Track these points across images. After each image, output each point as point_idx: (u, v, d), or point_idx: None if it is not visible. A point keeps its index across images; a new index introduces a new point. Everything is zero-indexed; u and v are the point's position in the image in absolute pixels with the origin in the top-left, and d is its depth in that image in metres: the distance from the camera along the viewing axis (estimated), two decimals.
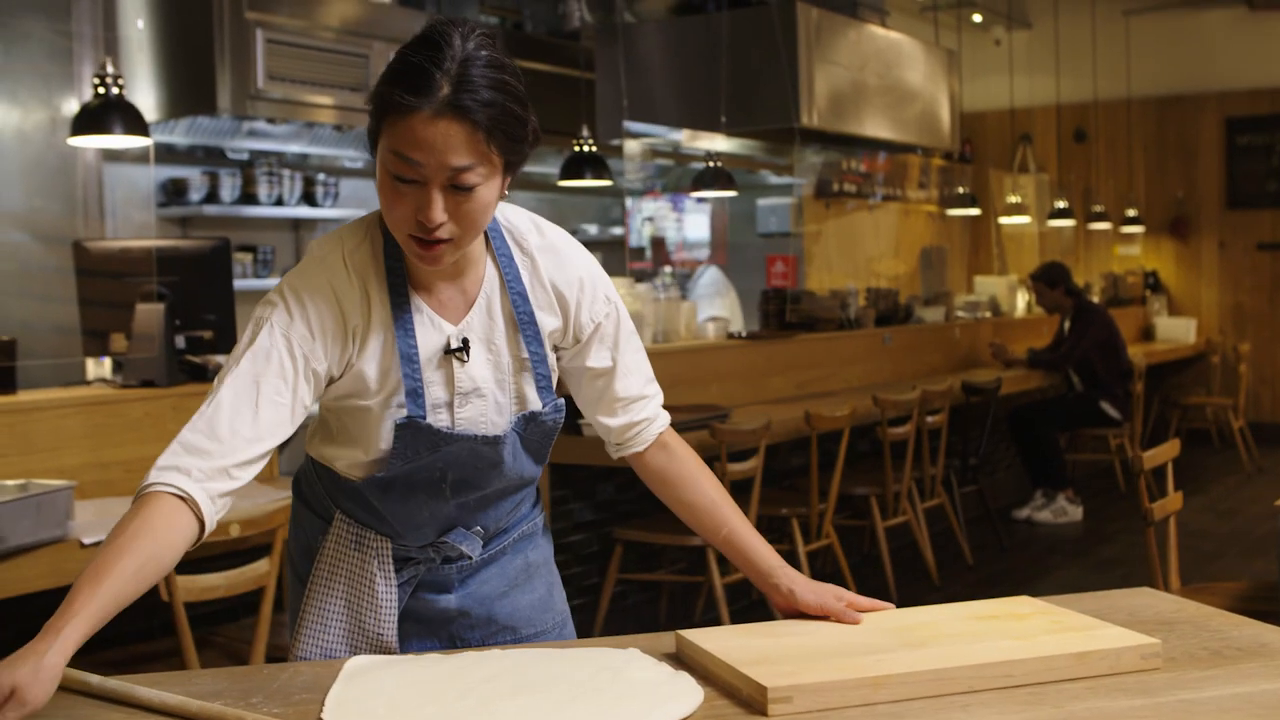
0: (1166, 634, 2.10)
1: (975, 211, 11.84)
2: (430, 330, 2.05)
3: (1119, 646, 1.94)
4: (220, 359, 4.86)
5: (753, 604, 6.41)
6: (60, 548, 3.57)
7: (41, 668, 1.64)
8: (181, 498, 1.87)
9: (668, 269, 9.55)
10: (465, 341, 2.07)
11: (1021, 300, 11.36)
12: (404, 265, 2.03)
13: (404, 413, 2.05)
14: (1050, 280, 9.36)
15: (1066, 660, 1.90)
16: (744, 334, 7.58)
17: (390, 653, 2.17)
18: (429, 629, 2.24)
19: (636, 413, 2.24)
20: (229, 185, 7.15)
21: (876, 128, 8.25)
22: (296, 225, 7.85)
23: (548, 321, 2.14)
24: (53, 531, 3.56)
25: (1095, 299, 11.59)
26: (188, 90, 6.40)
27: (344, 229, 2.09)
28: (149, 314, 4.59)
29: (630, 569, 5.84)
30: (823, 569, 6.64)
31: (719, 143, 7.82)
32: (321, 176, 7.69)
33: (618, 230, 9.51)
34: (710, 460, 5.57)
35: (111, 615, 1.76)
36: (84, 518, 3.87)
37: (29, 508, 3.50)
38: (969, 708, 1.78)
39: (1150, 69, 13.25)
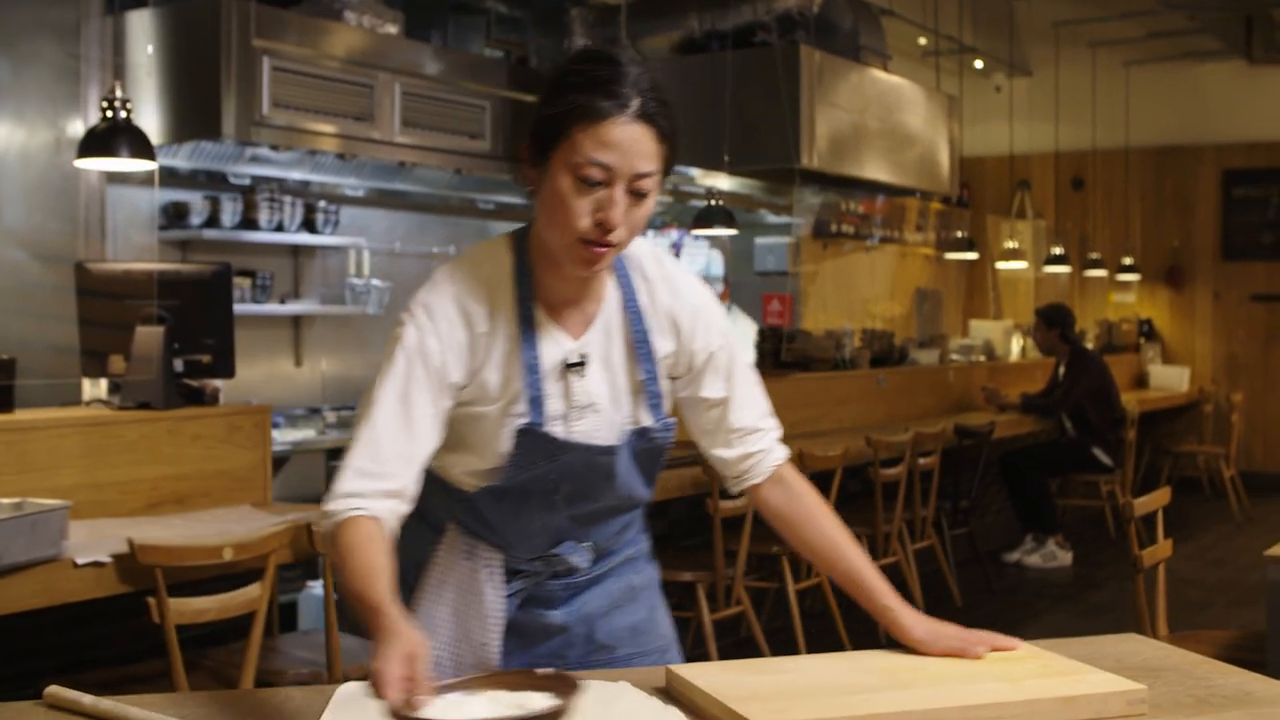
0: (1153, 681, 2.12)
1: (972, 256, 11.90)
2: (551, 344, 2.15)
3: (1105, 691, 1.96)
4: (218, 384, 4.87)
5: (740, 640, 6.41)
6: (54, 567, 3.57)
7: (406, 630, 1.78)
8: (371, 518, 2.01)
9: None
10: (584, 357, 2.16)
11: (1016, 345, 11.40)
12: (531, 279, 2.14)
13: (523, 421, 2.13)
14: (1050, 320, 9.39)
15: (1053, 704, 1.92)
16: None
17: (491, 664, 2.22)
18: (528, 642, 2.29)
19: (751, 444, 2.30)
20: (230, 210, 7.18)
21: (876, 170, 8.30)
22: (296, 251, 7.87)
23: (662, 345, 2.22)
24: (46, 551, 3.56)
25: (1090, 345, 11.62)
26: (192, 115, 6.42)
27: (475, 246, 2.22)
28: (148, 336, 4.60)
29: None
30: (811, 608, 6.62)
31: (721, 181, 7.86)
32: (322, 204, 7.71)
33: None
34: (701, 496, 5.60)
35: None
36: (78, 538, 3.88)
37: (24, 526, 3.50)
38: None
39: (1149, 119, 13.33)
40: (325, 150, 6.94)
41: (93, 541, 3.84)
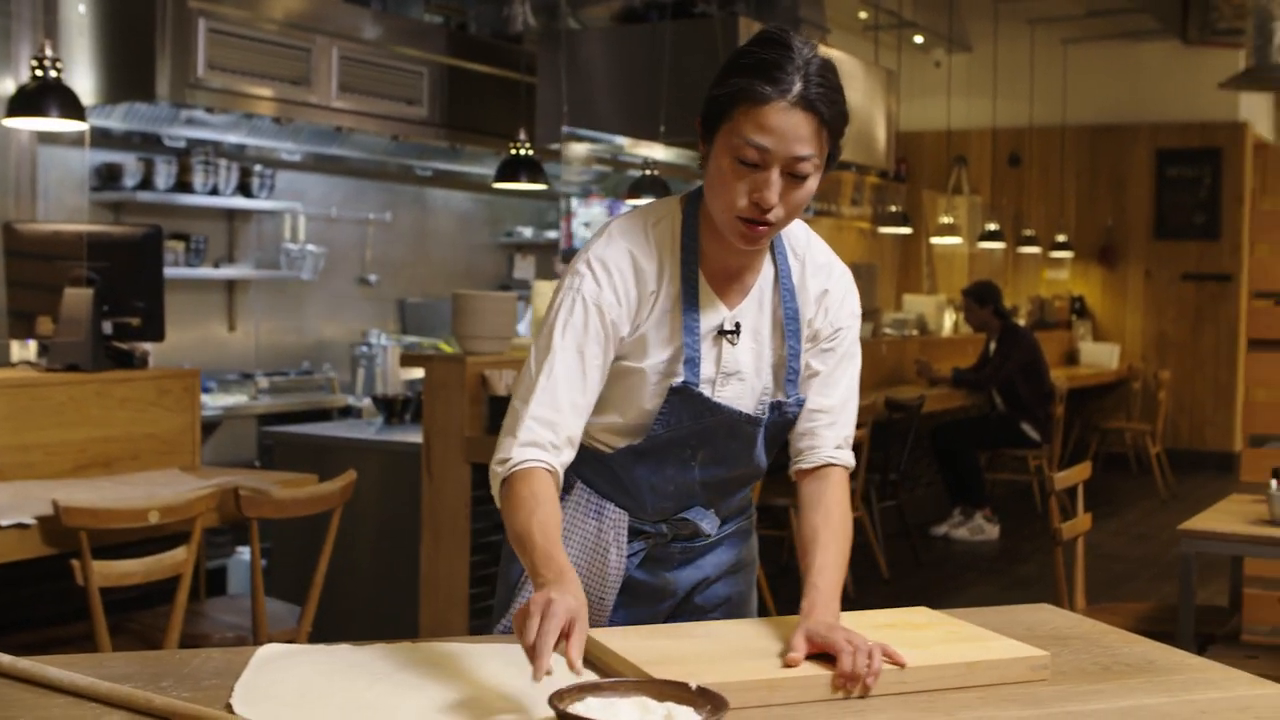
0: (1061, 649, 2.17)
1: (907, 230, 11.98)
2: (710, 309, 2.21)
3: (1008, 657, 2.02)
4: (148, 347, 4.85)
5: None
6: None
7: (583, 599, 1.85)
8: (549, 470, 2.08)
9: None
10: (738, 325, 2.22)
11: (949, 320, 11.49)
12: (697, 245, 2.20)
13: (678, 379, 2.19)
14: (980, 298, 9.49)
15: (957, 669, 1.97)
16: None
17: (604, 618, 2.31)
18: (636, 600, 2.36)
19: (819, 423, 2.31)
20: (164, 172, 7.12)
21: None
22: (231, 215, 7.83)
23: (806, 323, 2.28)
24: None
25: (1022, 321, 11.74)
26: (126, 76, 6.38)
27: (647, 206, 2.27)
28: (77, 298, 4.58)
29: None
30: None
31: (657, 151, 7.87)
32: (258, 168, 7.67)
33: (553, 234, 9.55)
34: None
35: None
36: (2, 499, 3.87)
37: None
38: (864, 714, 1.84)
39: (1085, 98, 13.44)
40: (261, 114, 6.90)
41: (17, 503, 3.83)
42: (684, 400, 2.20)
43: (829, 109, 2.06)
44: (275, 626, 4.03)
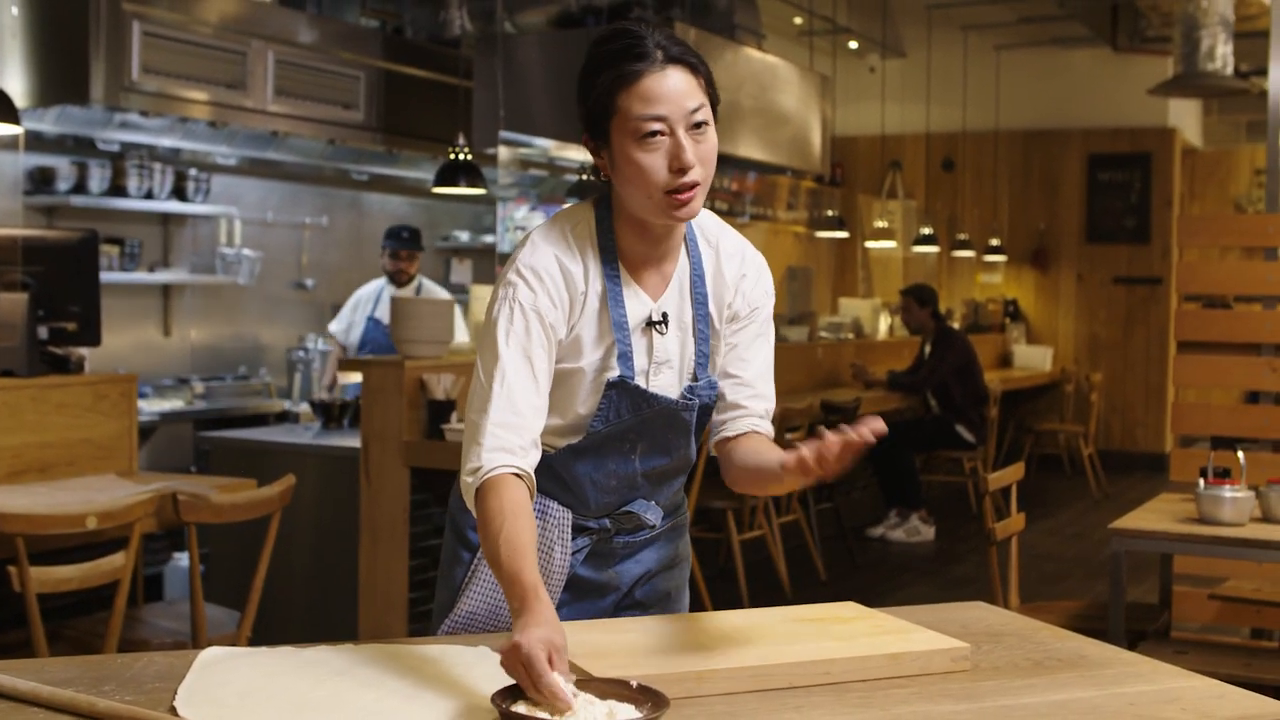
0: (994, 645, 2.22)
1: (843, 234, 12.06)
2: (635, 302, 2.27)
3: (931, 649, 2.07)
4: (84, 352, 4.82)
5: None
6: None
7: (555, 622, 1.85)
8: (518, 474, 2.11)
9: None
10: (665, 315, 2.29)
11: (884, 323, 11.57)
12: (614, 242, 2.27)
13: (614, 374, 2.25)
14: (921, 299, 9.57)
15: (880, 660, 2.02)
16: None
17: None
18: (581, 596, 2.41)
19: (740, 397, 2.37)
20: (98, 176, 7.07)
21: (748, 148, 8.38)
22: (166, 219, 7.78)
23: (719, 306, 2.35)
24: None
25: (956, 325, 11.84)
26: (59, 78, 6.33)
27: (562, 212, 2.33)
28: (11, 303, 4.54)
29: None
30: (754, 557, 6.80)
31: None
32: (193, 171, 7.63)
33: (489, 238, 9.55)
34: None
35: None
36: None
37: None
38: (801, 709, 1.87)
39: (1018, 103, 13.58)
40: (196, 117, 6.87)
41: None
42: (621, 394, 2.26)
43: (694, 58, 2.17)
44: (214, 631, 4.02)
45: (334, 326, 7.56)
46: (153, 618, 4.36)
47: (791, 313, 11.05)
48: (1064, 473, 12.30)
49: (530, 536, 2.02)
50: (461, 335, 6.69)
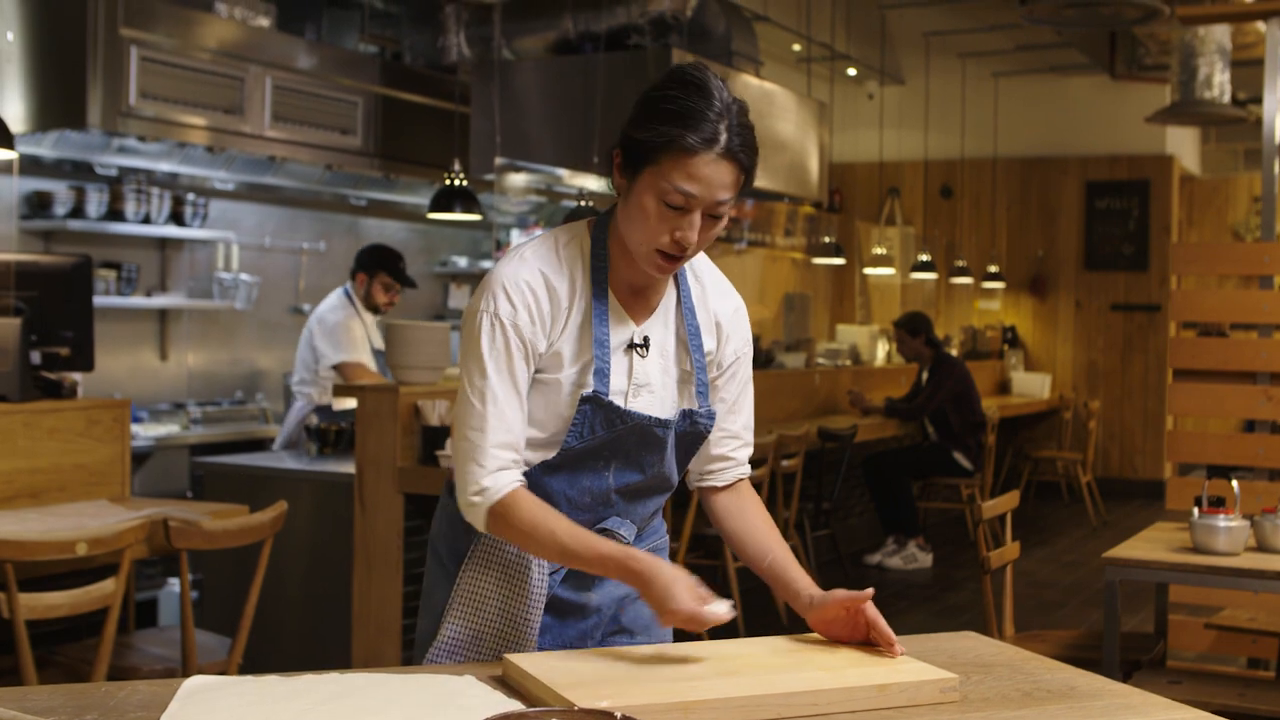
0: (984, 675, 2.21)
1: (840, 261, 12.06)
2: (619, 324, 2.33)
3: (919, 680, 2.07)
4: (77, 377, 4.82)
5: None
6: None
7: (663, 565, 2.16)
8: (524, 484, 2.26)
9: None
10: (646, 339, 2.35)
11: (882, 350, 11.57)
12: (606, 264, 2.33)
13: (589, 390, 2.29)
14: (913, 329, 9.58)
15: (868, 691, 2.02)
16: None
17: (530, 641, 2.37)
18: (562, 619, 2.43)
19: (728, 449, 2.50)
20: (95, 201, 7.07)
21: None
22: (163, 244, 7.78)
23: (708, 341, 2.42)
24: None
25: (954, 351, 11.85)
26: (57, 103, 6.34)
27: (556, 230, 2.39)
28: (4, 328, 4.54)
29: None
30: (749, 584, 6.74)
31: (591, 181, 7.91)
32: (191, 196, 7.63)
33: (487, 264, 9.56)
34: None
35: None
36: None
37: None
38: None
39: (1016, 130, 13.61)
40: (194, 143, 6.88)
41: None
42: (595, 409, 2.29)
43: (749, 157, 2.22)
44: (205, 658, 4.00)
45: (362, 357, 6.87)
46: (144, 644, 4.34)
47: (789, 339, 11.06)
48: (1062, 500, 12.29)
49: (573, 524, 2.22)
50: (458, 361, 6.65)
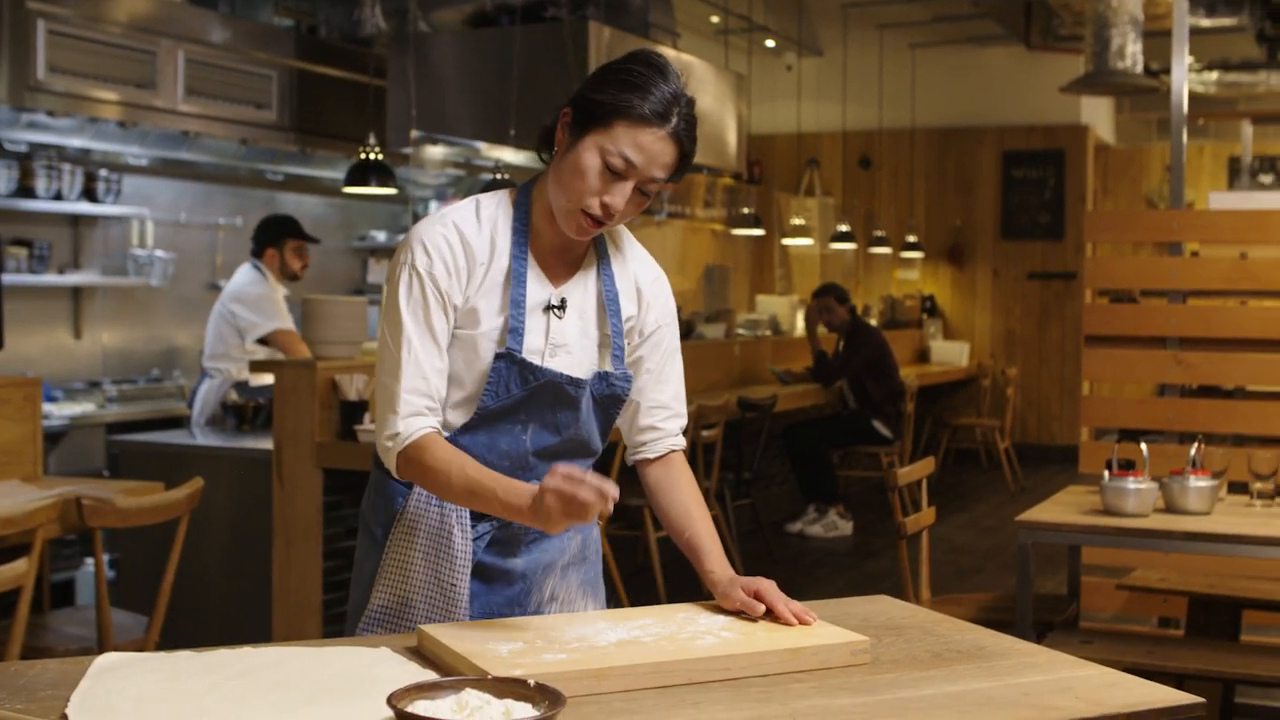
0: (895, 637, 2.25)
1: (759, 232, 12.11)
2: (537, 285, 2.39)
3: (830, 643, 2.10)
4: None
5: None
6: None
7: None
8: (437, 430, 2.32)
9: None
10: (564, 300, 2.40)
11: (801, 319, 11.63)
12: (527, 226, 2.40)
13: (503, 348, 2.34)
14: (840, 297, 9.59)
15: (780, 655, 2.05)
16: None
17: (459, 606, 2.39)
18: (490, 586, 2.45)
19: (656, 419, 2.53)
20: (4, 177, 6.95)
21: None
22: (76, 221, 7.67)
23: (626, 307, 2.47)
24: None
25: (874, 321, 11.93)
26: None
27: (479, 195, 2.46)
28: None
29: None
30: (669, 556, 6.80)
31: (507, 154, 7.88)
32: (104, 172, 7.53)
33: None
34: None
35: None
36: None
37: None
38: (700, 704, 1.88)
39: (933, 101, 13.71)
40: (106, 117, 6.79)
41: None
42: (509, 366, 2.34)
43: (690, 146, 2.31)
44: (122, 637, 3.97)
45: (291, 326, 6.85)
46: (59, 624, 4.30)
47: (709, 310, 11.09)
48: (980, 467, 12.43)
49: (482, 467, 2.25)
50: (375, 335, 6.62)
